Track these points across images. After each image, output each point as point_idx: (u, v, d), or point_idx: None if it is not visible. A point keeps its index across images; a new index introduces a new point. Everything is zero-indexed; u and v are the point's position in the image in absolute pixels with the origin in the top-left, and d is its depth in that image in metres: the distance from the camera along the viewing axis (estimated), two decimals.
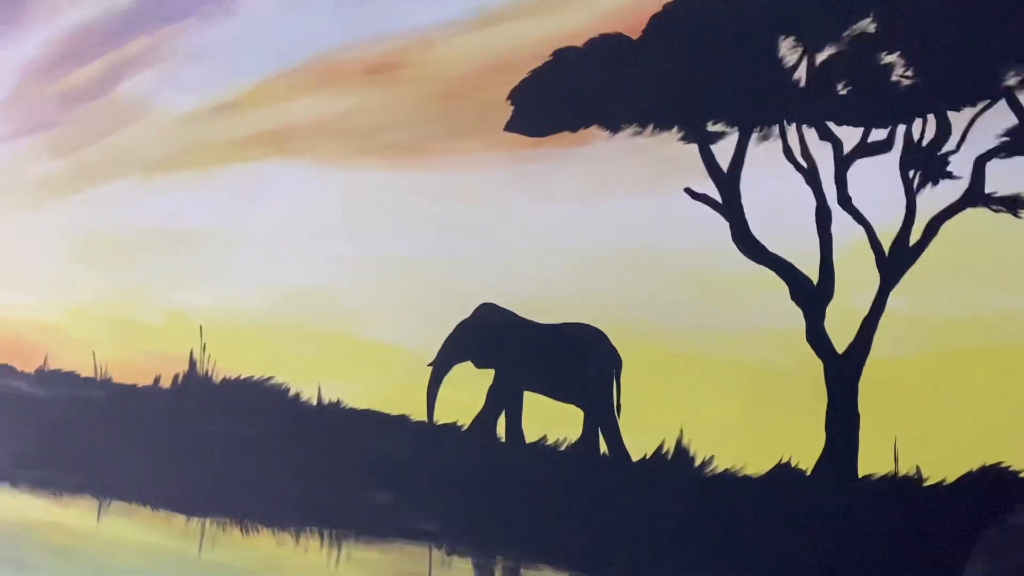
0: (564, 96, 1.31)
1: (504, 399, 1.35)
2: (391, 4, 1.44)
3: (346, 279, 1.50)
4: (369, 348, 1.47)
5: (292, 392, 1.55)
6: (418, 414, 1.42)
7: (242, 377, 1.60)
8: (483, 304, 1.38)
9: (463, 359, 1.39)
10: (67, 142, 1.82)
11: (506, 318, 1.35)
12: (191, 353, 1.65)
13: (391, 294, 1.45)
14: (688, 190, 1.22)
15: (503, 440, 1.35)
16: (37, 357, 1.85)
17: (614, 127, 1.28)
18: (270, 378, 1.57)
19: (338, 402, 1.50)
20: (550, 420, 1.32)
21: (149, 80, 1.71)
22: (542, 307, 1.33)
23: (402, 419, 1.44)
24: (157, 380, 1.69)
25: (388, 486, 1.44)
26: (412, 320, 1.44)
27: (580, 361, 1.29)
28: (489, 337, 1.37)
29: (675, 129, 1.24)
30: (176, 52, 1.67)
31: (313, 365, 1.53)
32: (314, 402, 1.52)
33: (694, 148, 1.22)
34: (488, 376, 1.37)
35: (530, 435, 1.33)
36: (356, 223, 1.49)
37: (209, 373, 1.63)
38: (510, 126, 1.36)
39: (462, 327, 1.39)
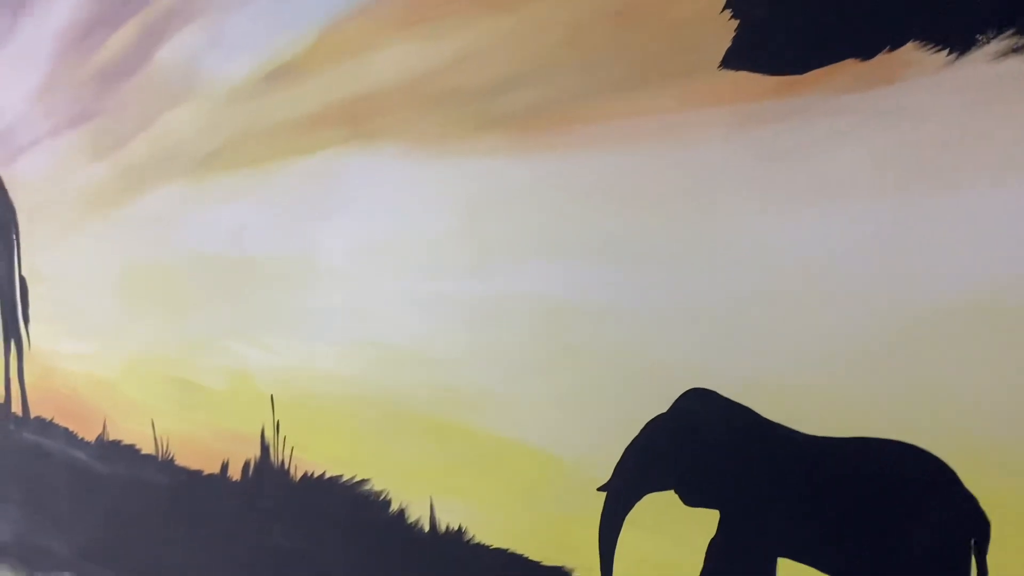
0: None
1: (740, 568, 0.79)
2: None
3: (463, 337, 0.99)
4: (503, 450, 0.96)
5: (395, 506, 1.07)
6: (586, 568, 0.90)
7: (327, 476, 1.14)
8: (692, 391, 0.82)
9: (660, 486, 0.84)
10: (108, 136, 1.45)
11: (739, 419, 0.78)
12: (262, 432, 1.22)
13: (534, 366, 0.93)
14: None
15: None
16: (95, 421, 1.52)
17: (957, 43, 0.67)
18: (364, 482, 1.10)
19: (459, 531, 1.00)
20: None
21: (188, 41, 1.28)
22: (798, 402, 0.75)
23: (559, 574, 0.92)
24: (225, 468, 1.28)
25: None
26: (568, 411, 0.90)
27: (904, 515, 0.70)
28: (707, 452, 0.81)
29: None
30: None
31: (422, 468, 1.04)
32: (426, 526, 1.04)
33: None
34: (709, 520, 0.81)
35: None
36: (474, 246, 0.97)
37: (285, 464, 1.20)
38: (732, 60, 0.77)
39: (656, 430, 0.84)
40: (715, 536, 0.81)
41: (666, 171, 0.81)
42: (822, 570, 0.74)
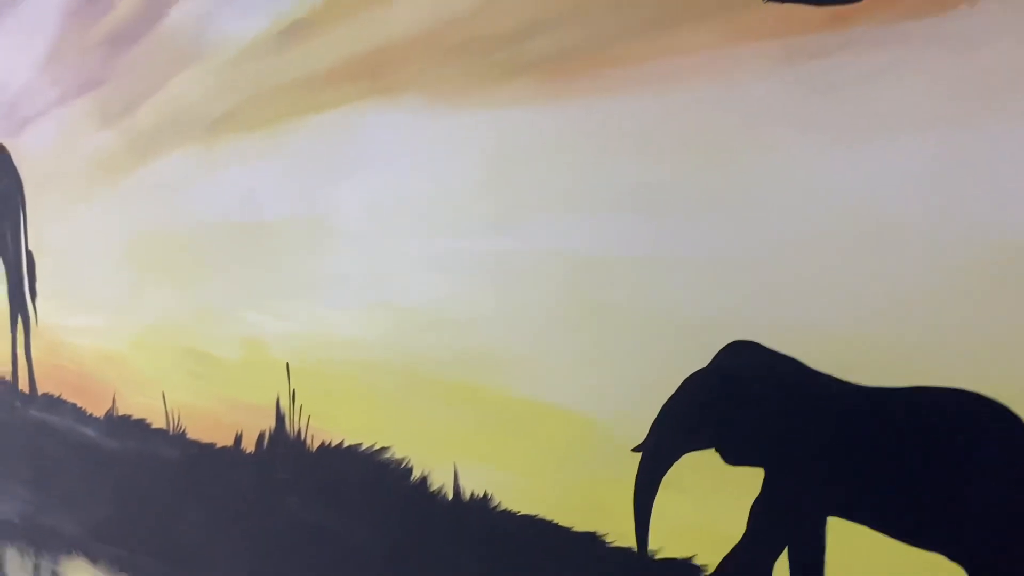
0: None
1: (786, 528, 0.76)
2: None
3: (488, 296, 0.95)
4: (531, 413, 0.92)
5: (416, 474, 1.04)
6: (618, 534, 0.86)
7: (345, 445, 1.11)
8: (734, 344, 0.78)
9: (700, 445, 0.80)
10: (116, 102, 1.41)
11: (785, 371, 0.74)
12: (277, 402, 1.18)
13: (564, 324, 0.89)
14: None
15: None
16: (104, 396, 1.48)
17: None
18: (384, 449, 1.07)
19: (484, 498, 0.97)
20: (884, 573, 0.70)
21: (198, 1, 1.24)
22: (850, 352, 0.71)
23: (590, 540, 0.88)
24: (238, 440, 1.25)
25: None
26: (600, 370, 0.86)
27: (968, 469, 0.66)
28: (751, 408, 0.77)
29: None
30: None
31: (445, 433, 1.00)
32: (449, 493, 1.00)
33: None
34: (751, 480, 0.77)
35: None
36: (500, 201, 0.93)
37: (302, 434, 1.16)
38: None
39: (696, 385, 0.80)
40: (759, 496, 0.77)
41: (706, 112, 0.77)
42: (876, 529, 0.70)
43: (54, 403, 1.61)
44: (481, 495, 0.97)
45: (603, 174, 0.85)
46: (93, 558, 1.54)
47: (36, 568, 1.70)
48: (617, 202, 0.84)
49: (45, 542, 1.66)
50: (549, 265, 0.90)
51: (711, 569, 0.80)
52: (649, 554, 0.84)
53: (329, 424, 1.13)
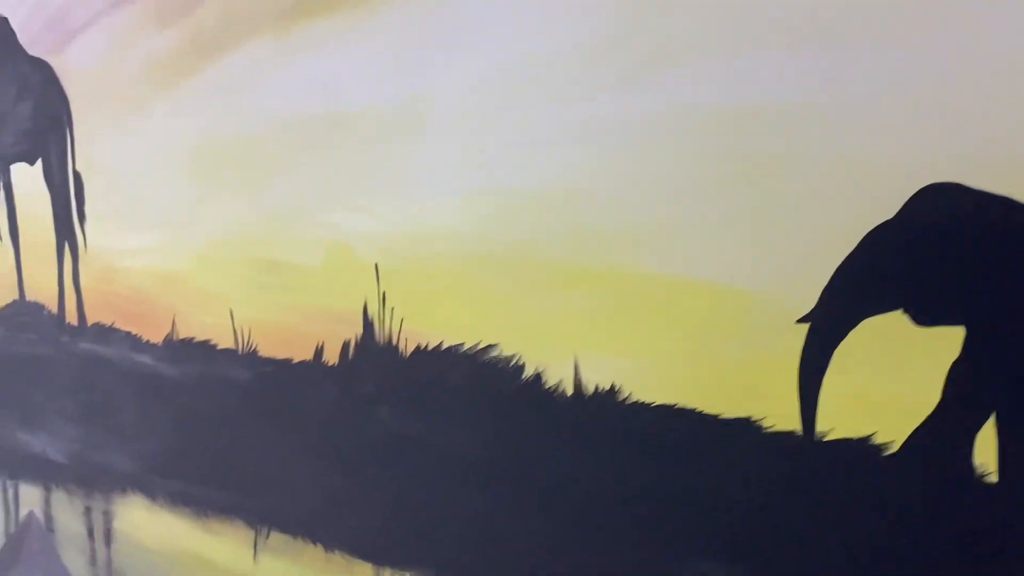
0: None
1: (995, 392, 0.67)
2: None
3: (615, 165, 0.86)
4: (668, 290, 0.84)
5: (529, 371, 0.95)
6: (778, 416, 0.78)
7: (444, 346, 1.03)
8: (928, 188, 0.69)
9: (883, 308, 0.72)
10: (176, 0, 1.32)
11: (995, 211, 0.66)
12: (364, 308, 1.10)
13: (708, 189, 0.80)
14: None
15: (990, 483, 0.67)
16: (162, 320, 1.40)
17: None
18: (490, 347, 0.98)
19: (612, 391, 0.88)
20: None
21: None
22: None
23: (743, 427, 0.80)
24: (319, 353, 1.17)
25: (727, 554, 0.81)
26: (755, 235, 0.78)
27: None
28: (951, 257, 0.68)
29: None
30: None
31: (562, 324, 0.92)
32: (568, 389, 0.92)
33: None
34: (946, 343, 0.69)
35: None
36: (632, 53, 0.84)
37: (393, 340, 1.08)
38: None
39: (881, 239, 0.71)
40: (959, 357, 0.68)
41: None
42: None
43: (106, 332, 1.54)
44: (607, 388, 0.89)
45: (760, 5, 0.76)
46: (150, 494, 1.47)
47: (87, 510, 1.63)
48: (776, 39, 0.76)
49: (96, 481, 1.59)
50: (690, 121, 0.81)
51: (896, 447, 0.72)
52: (817, 437, 0.76)
53: (425, 326, 1.05)
